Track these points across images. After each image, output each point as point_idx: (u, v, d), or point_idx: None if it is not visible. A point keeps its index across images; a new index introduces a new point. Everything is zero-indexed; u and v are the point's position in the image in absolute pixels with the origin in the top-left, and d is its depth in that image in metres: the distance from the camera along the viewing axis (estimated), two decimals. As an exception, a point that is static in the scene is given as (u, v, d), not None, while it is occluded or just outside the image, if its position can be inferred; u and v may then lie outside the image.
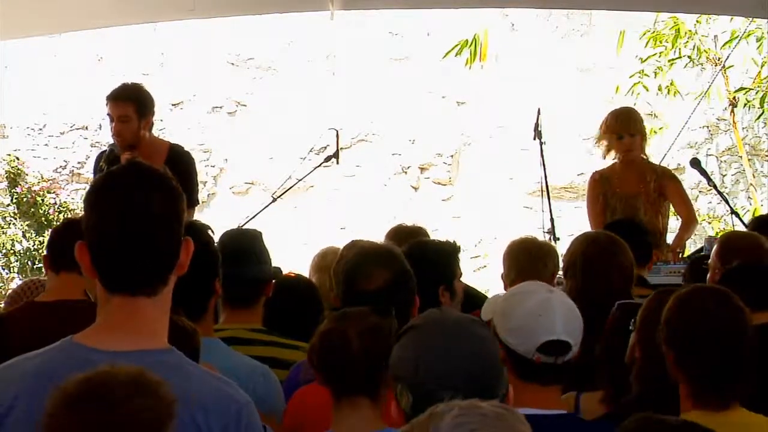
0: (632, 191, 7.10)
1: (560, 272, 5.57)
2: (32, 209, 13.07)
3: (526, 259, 5.24)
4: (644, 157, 7.22)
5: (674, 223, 7.82)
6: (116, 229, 2.48)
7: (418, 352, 2.51)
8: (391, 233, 5.82)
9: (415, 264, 4.11)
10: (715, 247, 5.07)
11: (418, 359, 2.50)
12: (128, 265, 2.48)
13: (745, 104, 12.29)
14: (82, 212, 2.58)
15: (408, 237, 5.37)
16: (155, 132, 7.12)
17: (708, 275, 5.01)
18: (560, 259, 6.46)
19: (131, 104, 6.63)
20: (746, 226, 7.30)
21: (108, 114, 6.74)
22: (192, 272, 2.62)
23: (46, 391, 2.37)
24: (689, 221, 7.27)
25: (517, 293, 3.32)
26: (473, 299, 5.28)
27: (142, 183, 2.50)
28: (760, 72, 12.08)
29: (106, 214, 2.50)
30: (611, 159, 7.25)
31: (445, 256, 4.45)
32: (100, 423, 2.14)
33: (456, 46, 10.89)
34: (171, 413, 2.19)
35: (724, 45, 11.81)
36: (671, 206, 7.38)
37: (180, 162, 6.53)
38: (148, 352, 2.45)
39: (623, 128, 7.18)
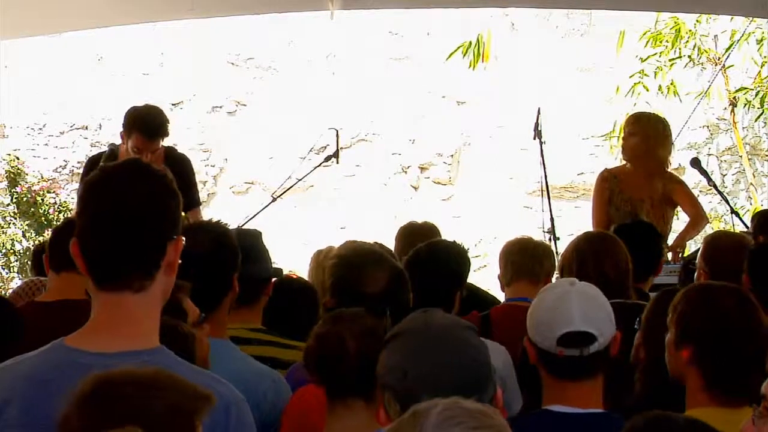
0: (638, 194, 7.09)
1: (557, 272, 5.58)
2: (32, 209, 13.07)
3: (523, 260, 5.24)
4: (662, 163, 7.19)
5: (678, 225, 7.81)
6: (99, 223, 2.49)
7: (405, 361, 2.49)
8: (403, 231, 5.83)
9: (435, 267, 4.12)
10: (701, 247, 5.07)
11: (405, 368, 2.48)
12: (109, 259, 2.48)
13: (745, 104, 12.28)
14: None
15: (420, 235, 5.39)
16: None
17: (695, 275, 5.01)
18: (558, 258, 6.45)
19: (162, 137, 6.63)
20: (746, 225, 7.31)
21: (136, 146, 6.58)
22: (209, 264, 2.61)
23: (36, 393, 2.40)
24: (698, 219, 7.25)
25: (542, 291, 3.34)
26: (477, 298, 5.29)
27: (129, 179, 2.51)
28: (760, 72, 12.07)
29: (91, 209, 2.51)
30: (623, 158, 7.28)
31: (463, 260, 4.48)
32: (112, 415, 2.12)
33: (459, 47, 10.89)
34: (190, 410, 2.17)
35: (727, 49, 11.80)
36: (676, 211, 7.37)
37: (178, 164, 6.53)
38: (135, 353, 2.44)
39: (627, 126, 7.23)
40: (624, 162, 7.29)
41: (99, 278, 2.51)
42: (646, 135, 7.13)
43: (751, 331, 3.19)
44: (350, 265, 3.72)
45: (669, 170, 7.36)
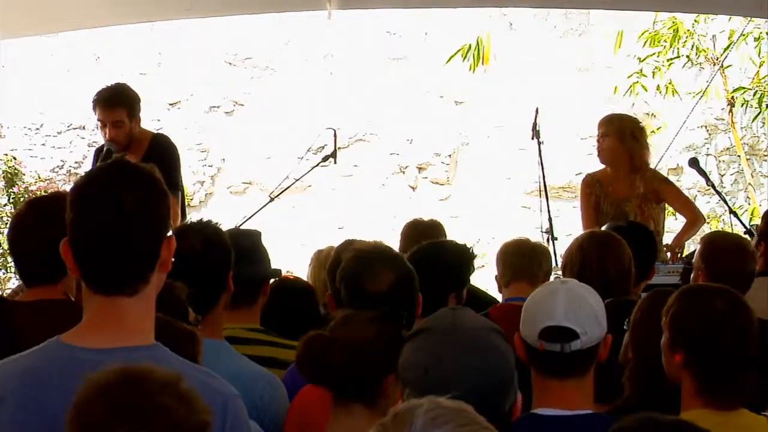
0: (622, 195, 7.08)
1: (558, 271, 5.56)
2: (29, 209, 13.03)
3: (521, 261, 5.23)
4: (641, 160, 7.17)
5: (675, 225, 7.80)
6: (93, 228, 2.48)
7: (429, 359, 2.46)
8: (408, 228, 5.85)
9: (430, 267, 4.12)
10: (699, 247, 5.06)
11: (428, 366, 2.45)
12: (105, 265, 2.49)
13: (743, 104, 12.26)
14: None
15: (426, 231, 5.45)
16: (153, 131, 7.15)
17: (692, 275, 5.00)
18: (557, 258, 6.45)
19: (123, 108, 6.69)
20: (744, 225, 7.29)
21: (99, 119, 6.77)
22: (203, 265, 2.60)
23: (32, 390, 2.40)
24: (695, 220, 7.24)
25: (536, 289, 3.36)
26: (475, 298, 5.27)
27: (121, 181, 2.49)
28: (758, 71, 12.05)
29: (84, 212, 2.50)
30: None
31: (462, 262, 4.48)
32: (132, 410, 2.13)
33: (459, 50, 10.87)
34: (201, 426, 2.19)
35: (726, 49, 11.77)
36: (669, 209, 7.35)
37: (160, 148, 6.63)
38: (132, 349, 2.45)
39: (599, 129, 7.24)
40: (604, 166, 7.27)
41: (93, 284, 2.51)
42: (620, 133, 7.12)
43: (742, 334, 3.18)
44: (359, 262, 3.71)
45: (651, 167, 7.34)
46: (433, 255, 4.36)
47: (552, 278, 5.58)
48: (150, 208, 2.49)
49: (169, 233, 2.54)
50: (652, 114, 12.87)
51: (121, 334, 2.47)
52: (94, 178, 2.55)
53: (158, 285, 2.55)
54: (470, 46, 10.75)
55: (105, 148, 6.82)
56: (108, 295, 2.48)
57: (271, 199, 7.99)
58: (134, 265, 2.49)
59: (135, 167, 2.54)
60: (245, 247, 4.10)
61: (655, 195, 7.12)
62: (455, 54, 10.88)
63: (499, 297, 5.54)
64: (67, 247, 2.51)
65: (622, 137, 7.09)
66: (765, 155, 13.94)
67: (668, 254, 6.67)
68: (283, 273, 4.80)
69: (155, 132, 7.12)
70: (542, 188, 7.77)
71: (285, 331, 4.25)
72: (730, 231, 8.40)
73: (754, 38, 11.64)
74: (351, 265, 3.71)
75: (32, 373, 2.44)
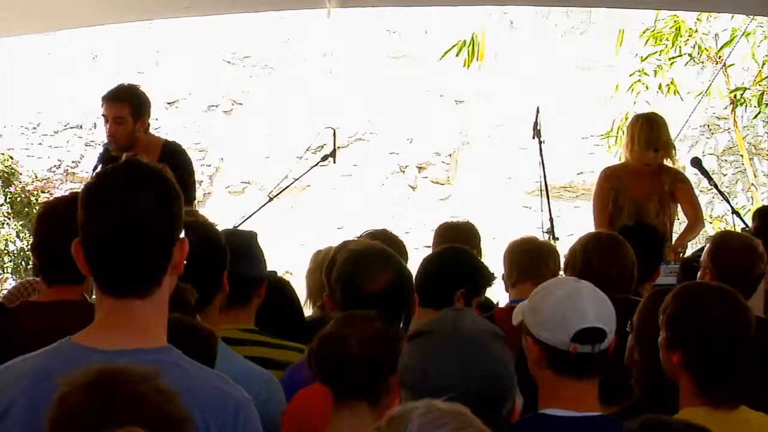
0: (644, 193, 7.01)
1: (562, 271, 5.54)
2: (26, 209, 13.00)
3: (528, 260, 5.22)
4: (665, 161, 7.12)
5: (677, 226, 7.76)
6: (105, 229, 2.46)
7: (428, 362, 2.44)
8: (442, 229, 5.88)
9: (439, 262, 4.20)
10: (707, 246, 5.05)
11: (426, 370, 2.43)
12: (118, 266, 2.47)
13: (742, 103, 12.23)
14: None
15: (460, 234, 5.56)
16: (150, 130, 7.10)
17: (699, 274, 4.99)
18: (561, 258, 6.42)
19: (127, 106, 6.67)
20: (747, 225, 7.25)
21: (103, 114, 6.78)
22: (198, 264, 2.60)
23: (43, 391, 2.37)
24: (696, 223, 7.20)
25: (544, 288, 3.29)
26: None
27: (134, 182, 2.47)
28: (760, 71, 12.01)
29: (96, 213, 2.48)
30: (625, 157, 7.17)
31: (475, 263, 4.59)
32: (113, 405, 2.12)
33: (453, 46, 10.86)
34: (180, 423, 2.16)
35: (724, 45, 11.74)
36: (678, 208, 7.31)
37: (173, 159, 6.51)
38: (145, 351, 2.44)
39: (643, 135, 7.05)
40: (625, 159, 7.20)
41: (104, 286, 2.50)
42: (663, 144, 7.04)
43: (738, 333, 3.17)
44: (355, 262, 3.69)
45: (673, 166, 7.29)
46: (446, 253, 4.41)
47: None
48: (162, 209, 2.48)
49: (182, 235, 2.52)
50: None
51: (132, 335, 2.47)
52: (106, 178, 2.53)
53: (170, 288, 2.54)
54: (464, 42, 10.73)
55: (104, 149, 6.80)
56: (119, 297, 2.48)
57: (270, 199, 7.97)
58: (146, 267, 2.48)
59: (148, 167, 2.52)
60: (241, 247, 4.10)
61: (674, 195, 7.08)
62: (450, 50, 10.86)
63: (503, 296, 5.52)
64: (79, 247, 2.49)
65: (665, 148, 7.02)
66: (767, 154, 13.91)
67: (671, 254, 6.64)
68: (282, 273, 4.78)
69: (166, 140, 7.06)
70: (543, 188, 7.75)
71: (265, 329, 4.23)
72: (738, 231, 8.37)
73: (755, 36, 11.60)
74: (347, 265, 3.70)
75: (44, 374, 2.43)
